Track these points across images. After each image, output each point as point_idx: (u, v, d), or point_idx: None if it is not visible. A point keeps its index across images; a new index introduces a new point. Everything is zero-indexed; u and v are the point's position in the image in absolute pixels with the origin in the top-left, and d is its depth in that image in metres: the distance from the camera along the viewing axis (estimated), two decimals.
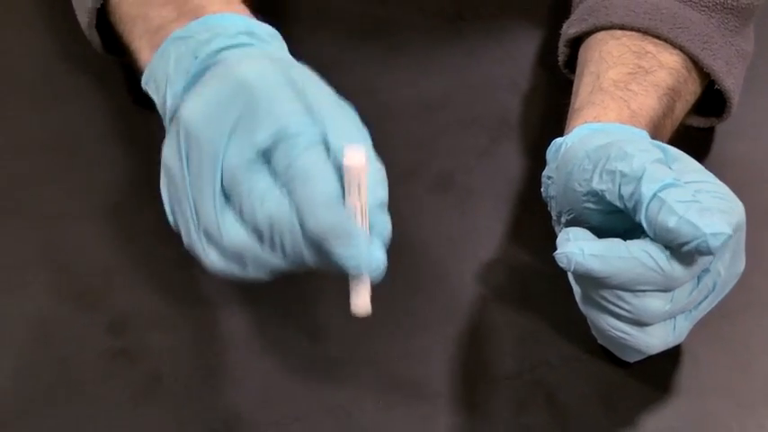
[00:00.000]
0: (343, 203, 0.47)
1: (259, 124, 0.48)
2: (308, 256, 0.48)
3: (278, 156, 0.48)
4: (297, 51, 0.68)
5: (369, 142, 0.50)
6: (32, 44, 0.71)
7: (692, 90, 0.61)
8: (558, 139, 0.56)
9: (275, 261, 0.49)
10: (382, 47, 0.70)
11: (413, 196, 0.64)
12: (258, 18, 0.55)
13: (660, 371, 0.56)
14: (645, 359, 0.55)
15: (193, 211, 0.49)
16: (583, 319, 0.55)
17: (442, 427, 0.55)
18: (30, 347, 0.58)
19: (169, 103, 0.52)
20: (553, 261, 0.52)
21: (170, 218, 0.51)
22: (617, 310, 0.51)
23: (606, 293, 0.50)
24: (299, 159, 0.47)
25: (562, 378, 0.57)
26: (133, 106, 0.67)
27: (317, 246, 0.47)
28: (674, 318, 0.52)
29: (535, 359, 0.57)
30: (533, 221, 0.61)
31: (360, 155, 0.47)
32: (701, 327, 0.54)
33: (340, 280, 0.59)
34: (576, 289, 0.54)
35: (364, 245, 0.47)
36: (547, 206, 0.57)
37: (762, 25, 0.65)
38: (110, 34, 0.60)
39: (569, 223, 0.53)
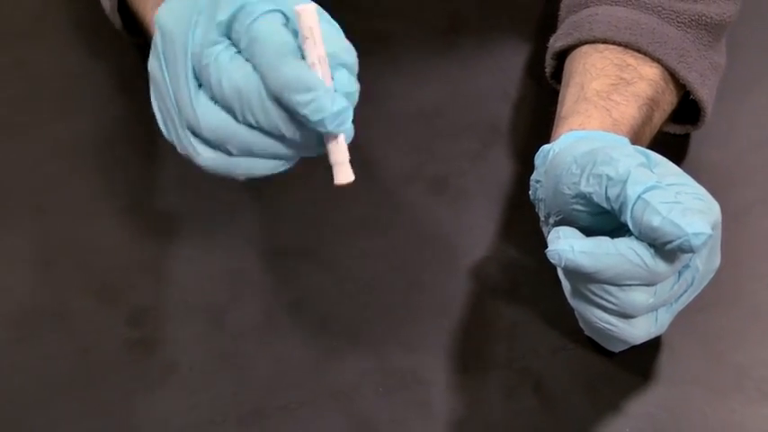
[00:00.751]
0: (301, 59, 0.45)
1: (220, 6, 0.46)
2: (279, 120, 0.46)
3: (237, 27, 0.46)
4: None
5: (324, 12, 0.47)
6: (62, 58, 0.71)
7: (669, 100, 0.61)
8: (546, 146, 0.56)
9: (253, 137, 0.46)
10: (382, 58, 0.70)
11: (411, 197, 0.63)
12: None
13: (640, 360, 0.56)
14: (628, 349, 0.55)
15: (176, 108, 0.47)
16: (569, 312, 0.55)
17: (437, 412, 0.55)
18: (54, 337, 0.58)
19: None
20: (541, 257, 0.51)
21: (162, 129, 0.49)
22: (604, 303, 0.51)
23: (594, 288, 0.51)
24: (255, 23, 0.45)
25: (549, 367, 0.57)
26: (150, 116, 0.67)
27: (284, 106, 0.45)
28: (657, 310, 0.52)
29: (524, 349, 0.57)
30: (522, 221, 0.61)
31: (310, 4, 0.45)
32: (677, 320, 0.54)
33: (341, 278, 0.60)
34: (566, 284, 0.54)
35: (325, 94, 0.44)
36: (534, 208, 0.57)
37: (732, 42, 0.65)
38: (130, 19, 0.59)
39: (558, 224, 0.53)
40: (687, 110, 0.63)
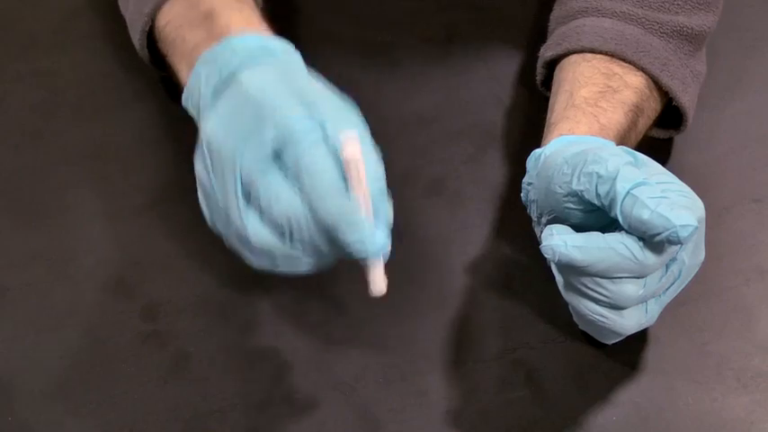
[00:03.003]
0: (347, 194, 0.47)
1: (265, 128, 0.47)
2: (323, 246, 0.48)
3: (286, 155, 0.47)
4: None
5: (365, 131, 0.49)
6: (80, 67, 0.71)
7: (653, 107, 0.61)
8: (537, 150, 0.56)
9: (297, 254, 0.48)
10: (380, 67, 0.70)
11: (409, 199, 0.63)
12: (275, 33, 0.55)
13: (627, 352, 0.56)
14: (616, 341, 0.55)
15: (226, 217, 0.49)
16: (559, 306, 0.55)
17: (434, 401, 0.55)
18: (72, 330, 0.58)
19: (201, 114, 0.52)
20: (533, 254, 0.52)
21: (209, 223, 0.51)
22: (596, 295, 0.51)
23: (586, 281, 0.50)
24: (303, 157, 0.47)
25: (541, 358, 0.56)
26: (165, 119, 0.67)
27: (329, 235, 0.47)
28: (646, 302, 0.52)
29: (517, 341, 0.57)
30: (515, 221, 0.61)
31: (355, 146, 0.46)
32: (662, 313, 0.54)
33: (343, 275, 0.59)
34: (559, 278, 0.54)
35: (368, 230, 0.47)
36: (526, 209, 0.57)
37: (712, 51, 0.65)
38: (157, 52, 0.61)
39: (550, 223, 0.53)
40: (670, 115, 0.63)
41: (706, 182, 0.63)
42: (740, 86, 0.69)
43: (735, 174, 0.64)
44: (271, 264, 0.49)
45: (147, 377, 0.56)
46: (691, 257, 0.52)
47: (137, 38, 0.61)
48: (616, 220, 0.49)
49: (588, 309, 0.52)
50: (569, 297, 0.53)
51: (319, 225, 0.47)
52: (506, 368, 0.56)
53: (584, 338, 0.57)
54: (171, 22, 0.58)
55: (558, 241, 0.49)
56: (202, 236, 0.61)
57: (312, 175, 0.47)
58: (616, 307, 0.51)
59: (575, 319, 0.56)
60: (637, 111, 0.59)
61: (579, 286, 0.51)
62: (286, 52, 0.54)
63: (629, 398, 0.55)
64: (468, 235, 0.62)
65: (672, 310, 0.55)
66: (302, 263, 0.49)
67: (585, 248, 0.49)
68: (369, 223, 0.47)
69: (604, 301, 0.51)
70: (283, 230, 0.48)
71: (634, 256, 0.49)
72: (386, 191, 0.49)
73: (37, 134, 0.68)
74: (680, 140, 0.65)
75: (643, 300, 0.51)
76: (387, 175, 0.63)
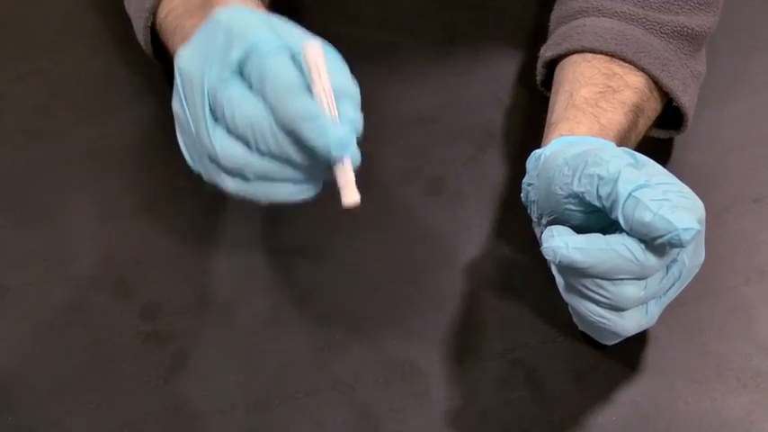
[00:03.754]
0: (308, 93, 0.46)
1: (233, 47, 0.47)
2: (289, 148, 0.47)
3: (248, 65, 0.47)
4: None
5: (333, 51, 0.49)
6: (81, 67, 0.71)
7: (653, 107, 0.61)
8: (537, 151, 0.56)
9: (266, 164, 0.48)
10: (381, 67, 0.70)
11: (409, 198, 0.63)
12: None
13: (626, 351, 0.56)
14: (616, 342, 0.55)
15: (198, 142, 0.48)
16: (559, 306, 0.55)
17: (434, 401, 0.55)
18: (71, 330, 0.58)
19: None
20: (532, 255, 0.52)
21: (189, 161, 0.50)
22: (597, 297, 0.50)
23: (587, 282, 0.50)
24: (264, 61, 0.46)
25: (540, 358, 0.56)
26: (165, 119, 0.66)
27: (293, 137, 0.46)
28: (647, 303, 0.52)
29: (516, 341, 0.57)
30: (515, 221, 0.61)
31: (316, 46, 0.46)
32: (662, 313, 0.53)
33: (344, 274, 0.60)
34: (559, 279, 0.53)
35: (330, 124, 0.46)
36: (526, 209, 0.57)
37: (711, 51, 0.65)
38: (161, 47, 0.61)
39: (551, 224, 0.53)
40: (670, 115, 0.63)
41: (706, 182, 0.63)
42: (740, 86, 0.69)
43: (735, 174, 0.64)
44: (246, 187, 0.49)
45: (147, 377, 0.56)
46: (691, 258, 0.52)
47: (140, 34, 0.61)
48: (617, 222, 0.49)
49: (588, 310, 0.52)
50: (569, 298, 0.53)
51: (282, 127, 0.46)
52: (506, 368, 0.56)
53: (584, 339, 0.56)
54: (171, 12, 0.58)
55: (559, 243, 0.49)
56: (202, 236, 0.62)
57: (272, 76, 0.46)
58: (616, 308, 0.51)
59: (575, 320, 0.56)
60: (637, 111, 0.59)
61: (580, 288, 0.51)
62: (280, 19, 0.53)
63: (629, 398, 0.55)
64: (468, 235, 0.62)
65: (672, 311, 0.55)
66: (271, 174, 0.48)
67: (586, 250, 0.49)
68: (330, 118, 0.46)
69: (605, 303, 0.51)
70: (248, 138, 0.47)
71: (635, 257, 0.48)
72: (353, 94, 0.48)
73: (37, 134, 0.68)
74: (680, 140, 0.65)
75: (644, 301, 0.51)
76: (387, 176, 0.64)
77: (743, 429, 0.54)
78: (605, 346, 0.56)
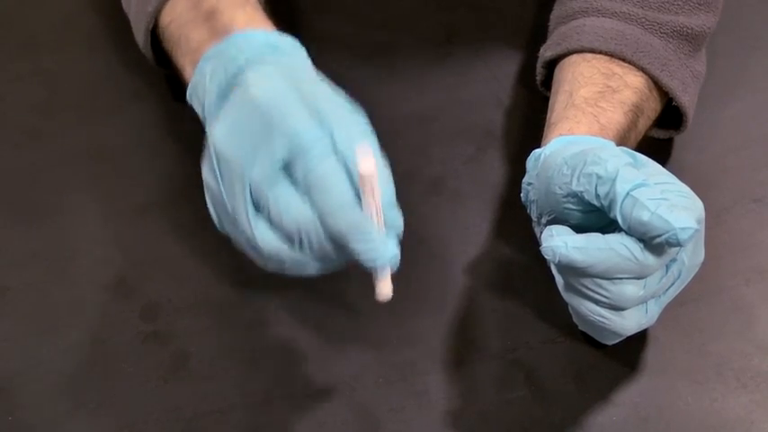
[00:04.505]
0: (360, 206, 0.47)
1: (274, 140, 0.48)
2: (332, 254, 0.48)
3: (296, 167, 0.48)
4: None
5: (374, 142, 0.50)
6: (81, 67, 0.71)
7: (653, 107, 0.61)
8: (537, 150, 0.56)
9: (306, 260, 0.49)
10: (382, 67, 0.70)
11: (409, 198, 0.61)
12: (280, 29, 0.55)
13: (626, 352, 0.56)
14: (616, 342, 0.55)
15: (234, 223, 0.49)
16: (559, 306, 0.55)
17: (433, 401, 0.55)
18: (72, 330, 0.58)
19: (207, 110, 0.52)
20: (532, 254, 0.51)
21: (217, 225, 0.51)
22: (596, 296, 0.50)
23: (587, 282, 0.50)
24: (314, 171, 0.47)
25: (540, 358, 0.56)
26: (165, 119, 0.67)
27: (339, 244, 0.48)
28: (647, 302, 0.52)
29: (516, 341, 0.57)
30: (515, 220, 0.60)
31: (371, 162, 0.46)
32: (662, 313, 0.53)
33: (343, 274, 0.59)
34: (559, 279, 0.53)
35: (380, 241, 0.48)
36: (526, 209, 0.57)
37: (711, 51, 0.65)
38: (160, 50, 0.61)
39: (550, 223, 0.53)
40: (670, 115, 0.63)
41: (706, 182, 0.63)
42: (740, 86, 0.69)
43: (735, 174, 0.64)
44: (279, 267, 0.50)
45: (147, 377, 0.56)
46: (691, 258, 0.52)
47: (140, 37, 0.61)
48: (616, 221, 0.49)
49: (588, 310, 0.52)
50: (569, 298, 0.53)
51: (329, 235, 0.48)
52: (506, 368, 0.56)
53: (584, 339, 0.56)
54: (174, 20, 0.58)
55: (559, 242, 0.49)
56: (202, 236, 0.62)
57: (322, 189, 0.47)
58: (616, 308, 0.51)
59: (574, 319, 0.56)
60: (636, 111, 0.59)
61: (579, 287, 0.51)
62: (293, 47, 0.54)
63: (629, 398, 0.55)
64: (468, 235, 0.62)
65: (671, 311, 0.54)
66: (311, 266, 0.50)
67: (586, 249, 0.49)
68: (380, 235, 0.48)
69: (604, 302, 0.51)
70: (293, 239, 0.48)
71: (634, 257, 0.48)
72: (395, 201, 0.50)
73: (37, 134, 0.68)
74: (680, 140, 0.65)
75: (643, 300, 0.51)
76: None
77: (743, 429, 0.54)
78: (605, 345, 0.56)
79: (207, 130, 0.52)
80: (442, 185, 0.64)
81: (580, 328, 0.56)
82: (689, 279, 0.53)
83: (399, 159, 0.64)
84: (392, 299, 0.58)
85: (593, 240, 0.49)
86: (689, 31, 0.61)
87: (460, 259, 0.60)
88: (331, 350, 0.57)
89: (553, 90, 0.62)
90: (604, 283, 0.50)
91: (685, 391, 0.55)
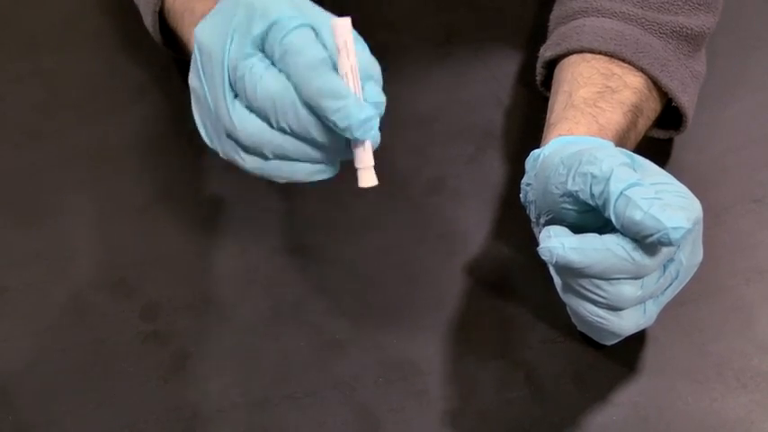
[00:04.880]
0: (332, 70, 0.45)
1: (254, 22, 0.47)
2: (310, 126, 0.46)
3: (270, 40, 0.46)
4: None
5: (363, 42, 0.48)
6: (82, 66, 0.71)
7: (652, 107, 0.61)
8: (536, 151, 0.56)
9: (286, 142, 0.47)
10: (381, 67, 0.69)
11: (409, 198, 0.63)
12: None
13: (626, 352, 0.56)
14: (615, 342, 0.55)
15: (216, 118, 0.48)
16: (558, 305, 0.55)
17: (433, 401, 0.55)
18: (72, 330, 0.58)
19: None
20: (531, 254, 0.51)
21: (205, 139, 0.50)
22: (594, 297, 0.50)
23: (584, 282, 0.50)
24: (288, 36, 0.46)
25: (539, 358, 0.56)
26: (165, 119, 0.67)
27: (315, 112, 0.46)
28: (645, 303, 0.52)
29: (516, 341, 0.57)
30: (514, 220, 0.60)
31: (346, 19, 0.45)
32: (661, 313, 0.53)
33: (344, 274, 0.60)
34: (557, 280, 0.53)
35: (353, 102, 0.45)
36: (525, 209, 0.57)
37: (711, 51, 0.65)
38: (169, 36, 0.61)
39: (548, 223, 0.53)
40: (670, 116, 0.63)
41: (706, 182, 0.63)
42: (740, 86, 0.69)
43: (734, 174, 0.64)
44: (264, 165, 0.48)
45: (147, 377, 0.56)
46: (689, 258, 0.51)
47: (149, 20, 0.61)
48: (611, 220, 0.49)
49: (586, 310, 0.52)
50: (567, 299, 0.53)
51: (305, 104, 0.46)
52: (506, 368, 0.56)
53: (584, 339, 0.56)
54: None
55: (556, 243, 0.49)
56: (202, 236, 0.62)
57: (296, 52, 0.45)
58: (614, 308, 0.51)
59: (573, 320, 0.56)
60: (636, 111, 0.59)
61: (577, 288, 0.51)
62: None
63: (629, 398, 0.55)
64: (468, 235, 0.62)
65: (671, 311, 0.54)
66: (291, 152, 0.48)
67: (582, 250, 0.49)
68: (354, 96, 0.46)
69: (602, 303, 0.51)
70: (269, 115, 0.47)
71: (630, 257, 0.48)
72: (377, 76, 0.48)
73: (37, 134, 0.68)
74: (680, 140, 0.65)
75: (641, 301, 0.51)
76: (387, 176, 0.64)
77: (743, 429, 0.54)
78: (605, 346, 0.56)
79: None
80: (441, 186, 0.64)
81: (579, 328, 0.56)
82: (687, 279, 0.53)
83: (399, 160, 0.65)
84: (391, 300, 0.58)
85: (590, 241, 0.49)
86: (688, 31, 0.61)
87: (460, 259, 0.60)
88: (331, 350, 0.57)
89: (553, 90, 0.62)
90: (602, 283, 0.50)
91: (685, 391, 0.55)
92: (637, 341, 0.56)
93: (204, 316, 0.58)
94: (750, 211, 0.62)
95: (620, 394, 0.55)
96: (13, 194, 0.65)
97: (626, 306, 0.51)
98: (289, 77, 0.46)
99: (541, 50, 0.64)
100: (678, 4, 0.61)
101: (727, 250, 0.60)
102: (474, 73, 0.70)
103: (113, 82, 0.70)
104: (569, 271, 0.50)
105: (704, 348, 0.57)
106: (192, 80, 0.49)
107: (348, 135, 0.46)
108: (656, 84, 0.60)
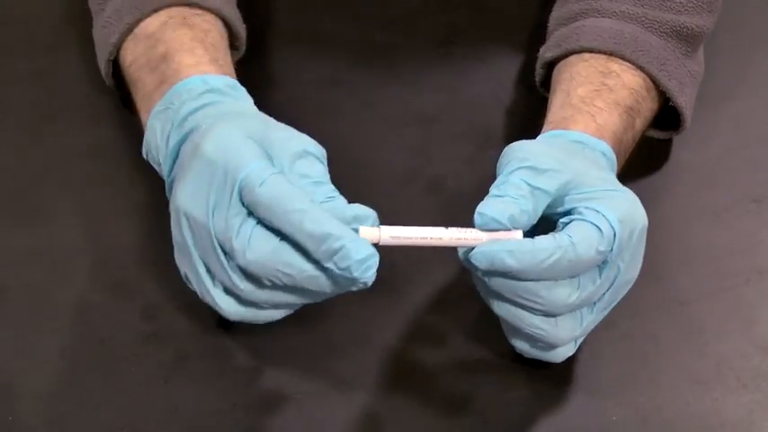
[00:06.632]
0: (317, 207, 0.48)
1: (227, 182, 0.48)
2: (307, 282, 0.48)
3: (246, 196, 0.48)
4: (307, 73, 0.69)
5: (319, 151, 0.51)
6: (81, 68, 0.71)
7: (650, 107, 0.60)
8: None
9: (278, 298, 0.50)
10: (382, 68, 0.70)
11: (410, 198, 0.63)
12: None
13: (626, 352, 0.56)
14: (616, 341, 0.54)
15: (205, 275, 0.50)
16: None
17: (434, 402, 0.55)
18: (72, 330, 0.58)
19: (164, 169, 0.54)
20: None
21: (186, 281, 0.52)
22: (529, 303, 0.49)
23: (519, 289, 0.49)
24: (261, 190, 0.47)
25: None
26: None
27: (313, 257, 0.47)
28: (581, 311, 0.51)
29: None
30: None
31: (372, 230, 0.48)
32: (661, 314, 0.54)
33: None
34: (485, 291, 0.51)
35: (351, 243, 0.47)
36: None
37: (709, 51, 0.65)
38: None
39: None
40: (669, 116, 0.63)
41: (704, 182, 0.63)
42: (740, 86, 0.69)
43: (734, 173, 0.64)
44: (253, 313, 0.51)
45: (147, 377, 0.56)
46: (626, 269, 0.50)
47: (102, 64, 0.62)
48: (543, 223, 0.49)
49: (523, 321, 0.50)
50: (499, 309, 0.51)
51: (303, 248, 0.47)
52: (506, 368, 0.56)
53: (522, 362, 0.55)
54: (134, 62, 0.59)
55: (490, 248, 0.48)
56: None
57: (274, 205, 0.47)
58: (550, 314, 0.50)
59: (510, 340, 0.54)
60: (632, 113, 0.59)
61: (510, 296, 0.49)
62: (233, 88, 0.55)
63: (630, 397, 0.55)
64: None
65: (670, 312, 0.55)
66: (283, 305, 0.51)
67: (514, 252, 0.47)
68: (350, 232, 0.47)
69: (539, 309, 0.49)
70: (262, 279, 0.48)
71: (561, 247, 0.47)
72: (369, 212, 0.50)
73: (37, 134, 0.68)
74: (679, 140, 0.65)
75: (577, 307, 0.50)
76: (387, 176, 0.64)
77: (743, 429, 0.54)
78: (602, 351, 0.55)
79: (167, 187, 0.54)
80: (442, 186, 0.64)
81: (517, 350, 0.54)
82: (622, 293, 0.52)
83: (399, 160, 0.65)
84: (391, 300, 0.58)
85: (523, 243, 0.48)
86: (688, 30, 0.61)
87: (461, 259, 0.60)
88: (331, 350, 0.57)
89: (551, 90, 0.62)
90: (537, 287, 0.48)
91: (685, 391, 0.55)
92: (636, 341, 0.56)
93: (204, 317, 0.58)
94: (750, 211, 0.63)
95: (621, 393, 0.55)
96: (13, 194, 0.64)
97: (562, 311, 0.49)
98: (280, 232, 0.47)
99: (541, 51, 0.64)
100: (680, 3, 0.61)
101: (727, 250, 0.60)
102: (474, 73, 0.70)
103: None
104: (503, 279, 0.49)
105: (704, 348, 0.57)
106: (176, 236, 0.51)
107: (347, 275, 0.47)
108: (654, 83, 0.60)
